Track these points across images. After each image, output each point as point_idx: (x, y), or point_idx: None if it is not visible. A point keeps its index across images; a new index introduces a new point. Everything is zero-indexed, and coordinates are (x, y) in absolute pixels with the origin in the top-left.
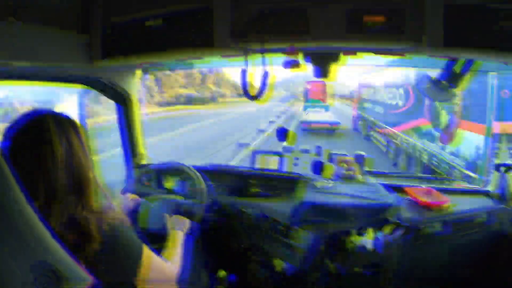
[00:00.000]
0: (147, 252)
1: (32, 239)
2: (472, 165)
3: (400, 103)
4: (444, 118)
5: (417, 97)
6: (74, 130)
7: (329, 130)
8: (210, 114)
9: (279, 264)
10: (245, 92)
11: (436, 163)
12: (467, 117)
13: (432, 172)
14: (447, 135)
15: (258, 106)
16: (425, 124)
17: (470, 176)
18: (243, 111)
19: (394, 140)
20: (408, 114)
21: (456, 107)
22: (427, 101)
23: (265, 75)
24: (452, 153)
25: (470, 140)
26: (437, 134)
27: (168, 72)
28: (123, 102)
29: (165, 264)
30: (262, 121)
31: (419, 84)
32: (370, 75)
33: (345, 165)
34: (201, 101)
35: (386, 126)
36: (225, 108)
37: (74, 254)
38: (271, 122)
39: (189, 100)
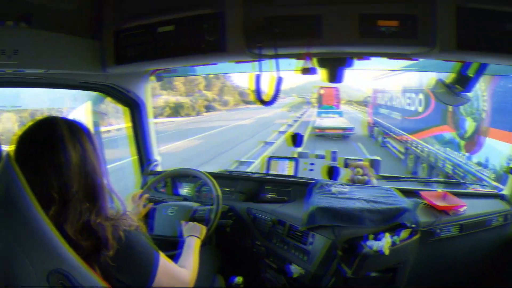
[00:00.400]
0: (162, 259)
1: (47, 246)
2: (503, 177)
3: (420, 109)
4: (470, 125)
5: (439, 103)
6: (87, 136)
7: (344, 136)
8: (197, 128)
9: (295, 270)
10: (259, 97)
11: (462, 174)
12: (496, 125)
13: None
14: (474, 144)
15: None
16: (449, 132)
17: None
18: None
19: (413, 148)
20: (429, 120)
21: (483, 113)
22: (450, 107)
23: (279, 80)
24: (480, 163)
25: (500, 150)
26: (462, 142)
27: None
28: (136, 109)
29: (180, 270)
30: None
31: (433, 88)
32: (386, 80)
33: (360, 170)
34: (193, 110)
35: (404, 133)
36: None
37: (89, 261)
38: (289, 125)
39: (177, 111)
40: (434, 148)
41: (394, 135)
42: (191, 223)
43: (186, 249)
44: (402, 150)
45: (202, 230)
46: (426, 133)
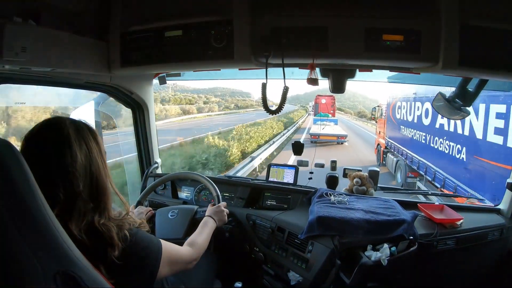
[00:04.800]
0: (165, 247)
1: (55, 246)
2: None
3: None
4: None
5: None
6: (92, 137)
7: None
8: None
9: (293, 277)
10: (265, 105)
11: None
12: None
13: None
14: None
15: None
16: None
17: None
18: None
19: None
20: None
21: None
22: None
23: (285, 90)
24: None
25: None
26: None
27: None
28: (139, 110)
29: (183, 251)
30: None
31: (433, 102)
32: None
33: (359, 180)
34: None
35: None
36: None
37: (94, 261)
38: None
39: None
40: None
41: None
42: (214, 207)
43: (201, 226)
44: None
45: (222, 217)
46: None
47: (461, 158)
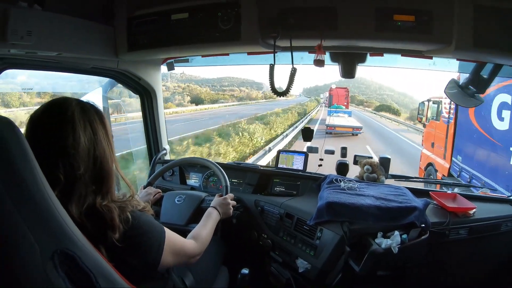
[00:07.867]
0: (168, 235)
1: (54, 224)
2: None
3: None
4: None
5: None
6: (99, 119)
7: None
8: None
9: (301, 264)
10: (273, 88)
11: None
12: None
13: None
14: None
15: None
16: None
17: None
18: None
19: None
20: None
21: None
22: None
23: (293, 71)
24: None
25: None
26: None
27: None
28: (147, 96)
29: (186, 243)
30: None
31: (446, 89)
32: None
33: (370, 168)
34: None
35: None
36: None
37: (95, 243)
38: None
39: None
40: None
41: None
42: (220, 199)
43: (205, 218)
44: None
45: (227, 210)
46: None
47: None
